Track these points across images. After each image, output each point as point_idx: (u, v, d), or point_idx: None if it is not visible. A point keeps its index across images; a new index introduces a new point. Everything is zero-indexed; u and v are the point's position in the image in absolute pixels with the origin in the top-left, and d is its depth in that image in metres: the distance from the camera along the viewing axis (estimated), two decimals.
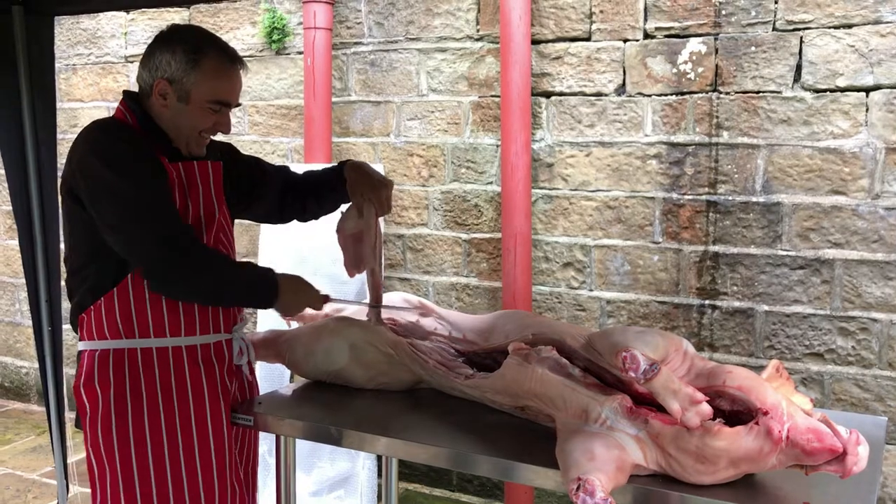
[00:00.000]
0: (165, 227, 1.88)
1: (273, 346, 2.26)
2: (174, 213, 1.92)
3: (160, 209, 1.89)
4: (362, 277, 3.61)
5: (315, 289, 2.11)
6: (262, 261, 3.71)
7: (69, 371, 4.96)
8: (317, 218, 2.43)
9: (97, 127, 1.98)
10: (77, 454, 4.43)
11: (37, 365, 3.08)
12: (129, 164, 1.88)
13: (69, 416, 4.05)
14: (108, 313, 1.95)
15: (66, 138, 4.76)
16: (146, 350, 1.96)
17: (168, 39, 1.96)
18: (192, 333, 2.01)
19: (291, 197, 2.36)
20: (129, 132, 1.95)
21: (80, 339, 2.02)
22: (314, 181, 2.36)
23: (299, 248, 3.71)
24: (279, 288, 2.01)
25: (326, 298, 2.13)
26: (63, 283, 2.15)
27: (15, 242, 3.21)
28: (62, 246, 2.14)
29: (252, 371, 2.21)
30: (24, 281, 3.03)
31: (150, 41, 2.00)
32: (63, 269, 2.11)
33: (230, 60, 1.99)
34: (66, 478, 3.04)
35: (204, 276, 1.92)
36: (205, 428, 1.99)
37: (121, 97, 2.04)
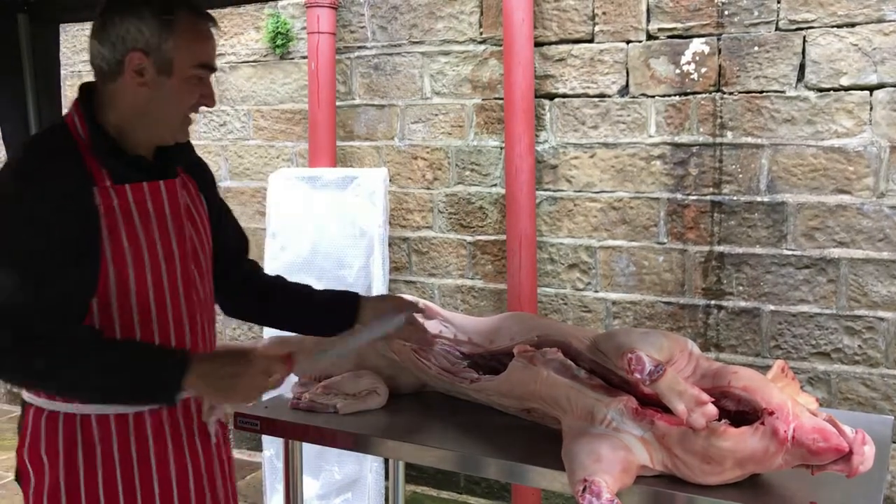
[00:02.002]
0: (15, 296, 1.45)
1: (279, 353, 2.26)
2: (48, 279, 1.48)
3: (29, 268, 1.47)
4: (365, 282, 3.62)
5: (263, 359, 1.59)
6: (268, 268, 3.72)
7: None
8: (279, 328, 1.99)
9: (31, 142, 1.68)
10: None
11: None
12: (28, 199, 1.49)
13: None
14: None
15: None
16: (102, 416, 1.61)
17: (129, 3, 1.56)
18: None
19: (257, 294, 1.94)
20: (67, 147, 1.58)
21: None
22: (312, 297, 1.94)
23: (304, 253, 3.73)
24: (185, 377, 1.50)
25: (289, 359, 1.64)
26: None
27: None
28: None
29: (225, 430, 1.86)
30: None
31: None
32: None
33: (203, 17, 1.63)
34: None
35: (49, 360, 1.47)
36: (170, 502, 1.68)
37: None
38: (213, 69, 1.65)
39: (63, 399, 1.60)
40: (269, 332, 3.56)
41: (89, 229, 1.53)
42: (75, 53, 4.78)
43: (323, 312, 1.92)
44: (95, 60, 1.61)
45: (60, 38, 3.07)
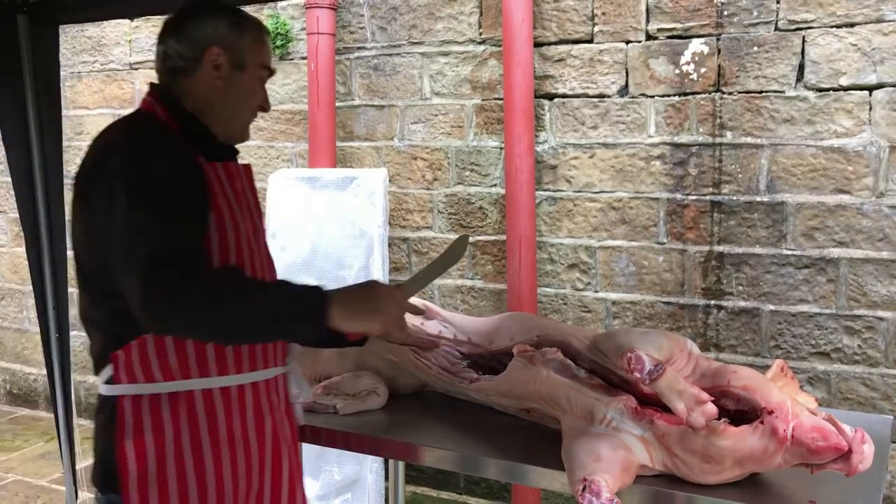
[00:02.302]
0: (175, 239, 1.47)
1: None
2: (192, 227, 1.54)
3: (176, 216, 1.50)
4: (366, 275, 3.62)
5: (401, 296, 1.70)
6: None
7: (77, 377, 4.98)
8: None
9: (126, 120, 1.69)
10: (86, 460, 4.45)
11: (45, 371, 3.09)
12: (159, 157, 1.56)
13: (78, 422, 4.06)
14: (157, 347, 1.58)
15: (71, 145, 4.78)
16: (207, 391, 1.62)
17: (203, 8, 1.71)
18: (242, 370, 1.67)
19: None
20: (162, 125, 1.65)
21: (112, 382, 1.60)
22: None
23: (304, 253, 3.72)
24: (328, 305, 1.52)
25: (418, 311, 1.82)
26: (77, 309, 1.78)
27: (22, 250, 3.22)
28: (71, 263, 1.80)
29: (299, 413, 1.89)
30: (31, 288, 3.04)
31: (168, 21, 1.74)
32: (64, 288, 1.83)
33: (262, 25, 1.79)
34: (75, 483, 3.05)
35: (214, 306, 1.45)
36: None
37: (140, 99, 1.76)
38: (272, 72, 1.78)
39: (166, 377, 1.59)
40: None
41: (205, 190, 1.61)
42: (74, 54, 4.79)
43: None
44: (172, 59, 1.69)
45: (60, 40, 3.08)
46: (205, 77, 1.67)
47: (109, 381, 1.61)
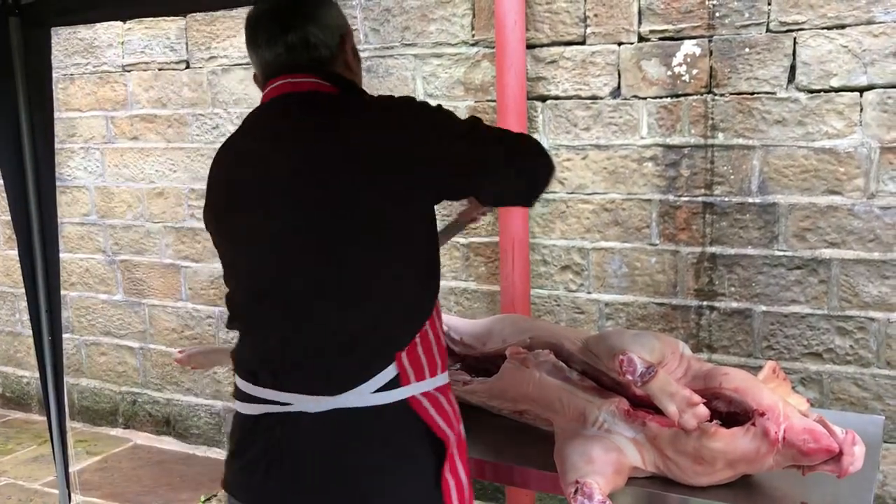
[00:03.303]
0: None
1: None
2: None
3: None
4: None
5: None
6: None
7: (70, 380, 4.97)
8: None
9: (372, 97, 1.63)
10: (79, 463, 4.44)
11: (38, 375, 3.08)
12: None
13: (70, 425, 4.04)
14: (425, 342, 1.53)
15: (63, 148, 4.78)
16: (447, 385, 1.62)
17: None
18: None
19: None
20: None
21: (396, 386, 1.49)
22: None
23: None
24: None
25: None
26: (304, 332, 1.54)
27: (14, 252, 3.21)
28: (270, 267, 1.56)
29: None
30: (23, 291, 3.04)
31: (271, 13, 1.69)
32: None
33: None
34: (68, 486, 3.04)
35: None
36: None
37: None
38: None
39: (442, 369, 1.59)
40: None
41: None
42: (67, 56, 4.78)
43: None
44: (313, 47, 1.61)
45: (52, 42, 3.07)
46: (343, 62, 1.65)
47: (387, 388, 1.48)
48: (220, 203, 1.63)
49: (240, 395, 1.60)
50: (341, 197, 1.45)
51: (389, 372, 1.48)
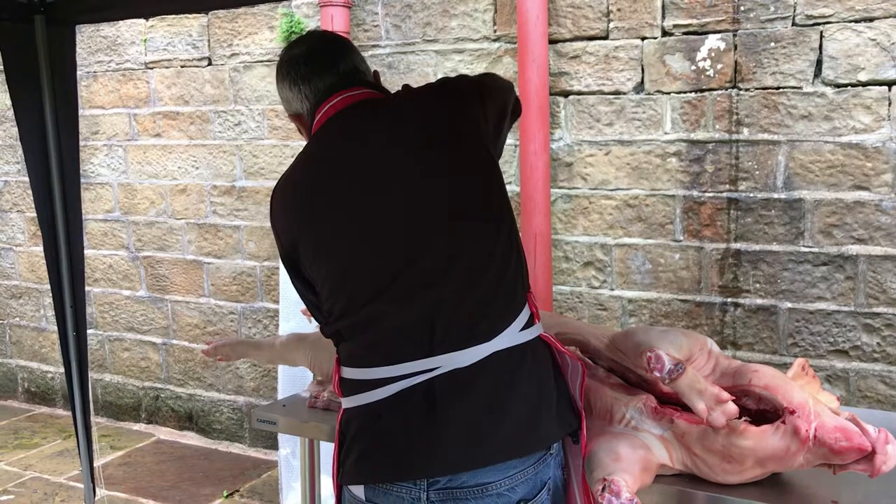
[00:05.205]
0: None
1: (297, 350, 2.27)
2: None
3: None
4: None
5: None
6: None
7: (94, 375, 5.01)
8: None
9: (410, 88, 1.85)
10: (103, 458, 4.47)
11: (62, 370, 3.11)
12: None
13: (95, 420, 4.07)
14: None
15: (87, 145, 4.82)
16: None
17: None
18: None
19: None
20: None
21: (531, 324, 1.65)
22: None
23: None
24: None
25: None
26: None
27: (39, 249, 3.24)
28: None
29: None
30: (48, 286, 3.06)
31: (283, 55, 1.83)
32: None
33: None
34: (93, 481, 3.07)
35: None
36: None
37: (367, 86, 1.84)
38: None
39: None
40: (283, 329, 3.57)
41: None
42: (90, 54, 4.81)
43: None
44: (362, 74, 1.80)
45: (76, 39, 3.09)
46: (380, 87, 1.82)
47: (527, 326, 1.63)
48: (322, 223, 1.63)
49: (359, 387, 1.60)
50: (447, 160, 1.63)
51: (527, 311, 1.65)
